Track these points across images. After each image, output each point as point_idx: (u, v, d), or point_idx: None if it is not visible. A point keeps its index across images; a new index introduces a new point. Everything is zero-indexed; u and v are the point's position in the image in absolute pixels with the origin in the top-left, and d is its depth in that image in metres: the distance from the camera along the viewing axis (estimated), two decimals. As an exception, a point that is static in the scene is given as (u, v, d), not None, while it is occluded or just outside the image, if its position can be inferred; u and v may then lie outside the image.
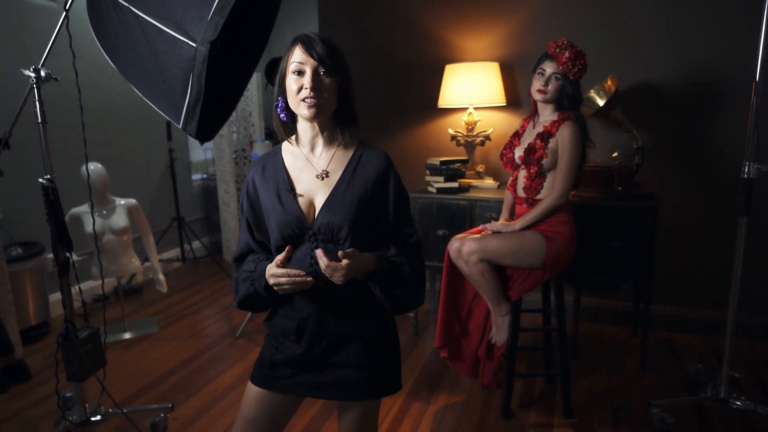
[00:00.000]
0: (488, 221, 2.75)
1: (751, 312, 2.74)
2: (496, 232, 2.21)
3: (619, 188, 2.63)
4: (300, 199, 1.24)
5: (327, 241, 1.21)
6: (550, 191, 2.15)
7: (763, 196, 2.62)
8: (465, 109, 3.22)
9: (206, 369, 2.71)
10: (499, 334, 2.23)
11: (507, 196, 2.44)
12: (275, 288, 1.18)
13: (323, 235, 1.22)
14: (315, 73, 1.17)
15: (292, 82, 1.19)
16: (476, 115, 3.21)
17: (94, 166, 2.89)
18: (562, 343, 2.21)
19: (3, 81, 3.06)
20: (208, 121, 1.50)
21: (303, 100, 1.18)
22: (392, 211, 1.26)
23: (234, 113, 4.14)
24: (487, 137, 3.22)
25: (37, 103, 1.82)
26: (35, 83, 1.79)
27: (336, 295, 1.23)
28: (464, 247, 2.16)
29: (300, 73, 1.18)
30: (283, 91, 1.24)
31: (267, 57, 3.06)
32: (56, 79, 1.81)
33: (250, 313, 3.16)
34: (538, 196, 2.19)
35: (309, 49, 1.17)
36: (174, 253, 4.65)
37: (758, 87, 1.92)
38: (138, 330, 3.19)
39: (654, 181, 2.92)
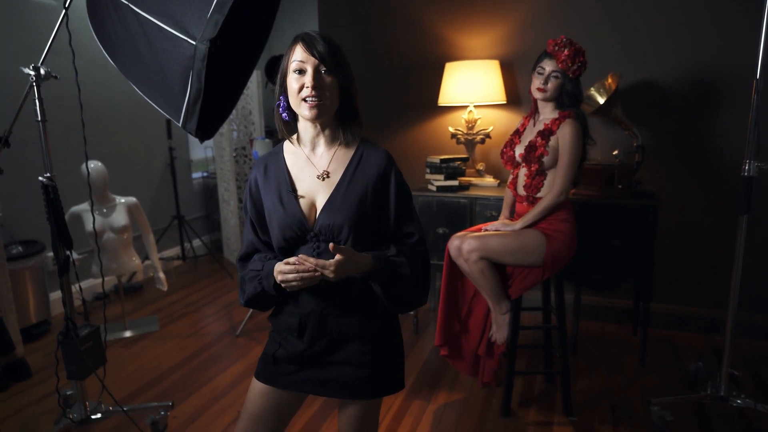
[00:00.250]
0: (488, 219, 2.76)
1: (751, 311, 2.74)
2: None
3: (620, 186, 2.63)
4: (301, 200, 1.24)
5: (328, 242, 1.21)
6: (551, 189, 2.15)
7: (764, 194, 2.62)
8: (465, 107, 3.21)
9: (206, 367, 2.71)
10: (499, 332, 2.23)
11: (507, 195, 2.44)
12: (283, 285, 1.18)
13: (324, 236, 1.21)
14: (316, 72, 1.17)
15: (293, 81, 1.18)
16: (476, 113, 3.21)
17: (94, 165, 2.89)
18: (562, 342, 2.21)
19: (3, 79, 3.05)
20: (208, 119, 1.50)
21: (304, 99, 1.17)
22: (393, 211, 1.26)
23: (234, 111, 4.14)
24: (488, 135, 3.21)
25: (36, 101, 1.82)
26: (35, 81, 1.79)
27: (337, 294, 1.24)
28: (464, 245, 2.16)
29: (301, 71, 1.18)
30: (284, 91, 1.23)
31: (267, 55, 3.06)
32: (56, 78, 1.81)
33: (250, 312, 3.16)
34: (539, 194, 2.19)
35: (310, 48, 1.17)
36: (174, 251, 4.65)
37: (759, 85, 1.92)
38: (138, 328, 3.19)
39: (654, 180, 2.91)
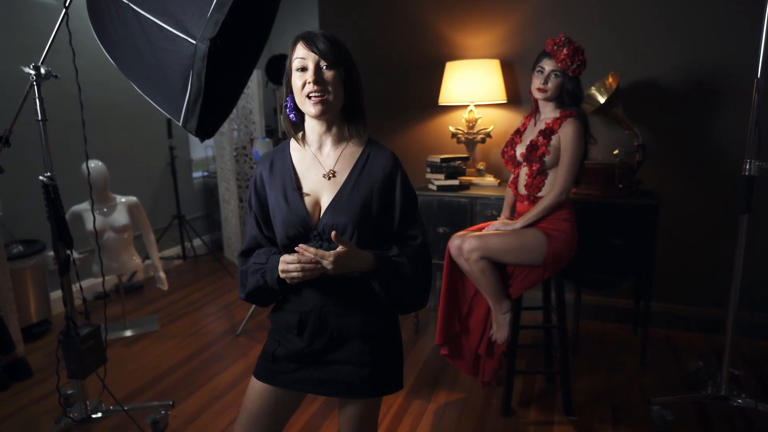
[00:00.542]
0: (489, 219, 2.76)
1: (752, 310, 2.74)
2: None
3: (620, 186, 2.63)
4: (306, 199, 1.24)
5: (331, 241, 1.21)
6: (552, 188, 2.15)
7: (764, 193, 2.61)
8: (466, 106, 3.21)
9: (207, 366, 2.71)
10: (500, 331, 2.23)
11: (508, 194, 2.44)
12: (283, 275, 1.18)
13: (328, 235, 1.21)
14: (317, 67, 1.17)
15: (296, 79, 1.19)
16: (477, 113, 3.20)
17: (94, 164, 2.89)
18: (562, 341, 2.21)
19: (3, 78, 3.05)
20: (209, 119, 1.50)
21: (308, 96, 1.18)
22: (398, 213, 1.26)
23: (234, 111, 4.14)
24: (488, 135, 3.21)
25: (37, 100, 1.82)
26: (35, 81, 1.79)
27: (338, 291, 1.24)
28: (465, 244, 2.16)
29: (303, 69, 1.18)
30: (290, 91, 1.24)
31: (267, 55, 3.06)
32: (56, 77, 1.81)
33: (250, 311, 3.17)
34: (540, 194, 2.19)
35: (310, 45, 1.17)
36: (175, 250, 4.65)
37: (760, 84, 1.92)
38: (139, 327, 3.19)
39: (655, 179, 2.91)
